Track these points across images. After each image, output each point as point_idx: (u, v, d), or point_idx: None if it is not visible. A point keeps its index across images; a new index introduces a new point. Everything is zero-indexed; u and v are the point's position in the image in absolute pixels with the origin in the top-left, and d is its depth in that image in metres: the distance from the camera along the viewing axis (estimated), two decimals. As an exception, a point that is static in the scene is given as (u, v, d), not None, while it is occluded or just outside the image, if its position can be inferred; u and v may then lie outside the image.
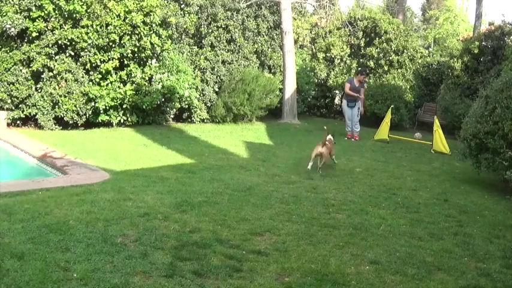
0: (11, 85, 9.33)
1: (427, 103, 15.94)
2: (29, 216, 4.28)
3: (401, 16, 20.70)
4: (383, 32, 15.49)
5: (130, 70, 10.01)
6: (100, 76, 9.74)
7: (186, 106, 11.48)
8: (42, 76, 9.48)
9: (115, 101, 9.80)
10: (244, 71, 12.38)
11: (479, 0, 18.32)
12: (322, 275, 3.65)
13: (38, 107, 9.45)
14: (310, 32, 16.11)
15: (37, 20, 9.29)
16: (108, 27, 9.55)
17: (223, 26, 12.49)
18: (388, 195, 6.43)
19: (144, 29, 9.85)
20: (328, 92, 15.74)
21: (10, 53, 9.36)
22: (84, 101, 9.59)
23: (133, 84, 10.10)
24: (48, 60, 9.36)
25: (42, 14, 9.29)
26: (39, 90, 9.55)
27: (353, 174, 7.69)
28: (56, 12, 9.35)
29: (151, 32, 10.09)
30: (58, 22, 9.42)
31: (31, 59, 9.40)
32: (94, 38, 9.43)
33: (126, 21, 9.68)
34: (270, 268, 3.71)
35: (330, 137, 7.97)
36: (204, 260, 3.73)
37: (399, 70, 15.54)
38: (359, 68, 14.01)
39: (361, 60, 15.69)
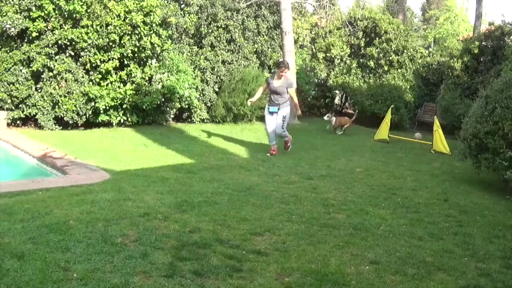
0: (11, 85, 9.32)
1: (427, 103, 15.96)
2: (29, 216, 4.28)
3: (401, 16, 20.71)
4: (383, 32, 15.50)
5: (130, 70, 10.01)
6: (100, 76, 9.74)
7: (186, 106, 11.48)
8: (42, 76, 9.47)
9: (115, 101, 9.80)
10: (244, 71, 12.38)
11: (479, 0, 18.34)
12: (322, 275, 3.65)
13: (38, 107, 9.45)
14: (310, 32, 16.13)
15: (37, 20, 9.28)
16: (108, 27, 9.55)
17: (223, 26, 12.49)
18: (388, 195, 6.43)
19: (144, 29, 9.85)
20: (328, 92, 15.75)
21: (10, 53, 9.35)
22: (84, 101, 9.59)
23: (133, 84, 10.10)
24: (48, 60, 9.36)
25: (42, 14, 9.28)
26: (39, 90, 9.55)
27: (353, 174, 7.69)
28: (56, 12, 9.35)
29: (152, 32, 10.08)
30: (58, 22, 9.41)
31: (31, 59, 9.40)
32: (94, 38, 9.43)
33: (126, 21, 9.68)
34: (270, 268, 3.71)
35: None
36: (204, 260, 3.73)
37: (399, 70, 15.55)
38: (280, 60, 10.03)
39: (361, 60, 15.70)
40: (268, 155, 8.69)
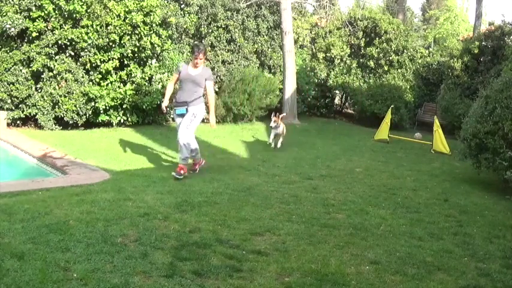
0: (11, 85, 9.32)
1: (427, 103, 15.97)
2: (29, 216, 4.28)
3: (401, 16, 20.73)
4: (383, 32, 15.51)
5: (130, 70, 10.01)
6: (100, 76, 9.74)
7: (186, 106, 11.47)
8: (42, 76, 9.47)
9: (115, 101, 9.80)
10: (244, 71, 12.38)
11: (479, 0, 18.34)
12: (322, 275, 3.65)
13: (38, 107, 9.45)
14: (310, 32, 16.13)
15: (37, 20, 9.28)
16: (108, 27, 9.55)
17: (223, 26, 12.49)
18: (388, 195, 6.43)
19: (144, 29, 9.85)
20: (328, 92, 15.75)
21: (10, 53, 9.35)
22: (84, 101, 9.59)
23: (134, 84, 10.10)
24: (48, 60, 9.36)
25: (42, 14, 9.28)
26: (39, 90, 9.55)
27: (353, 174, 7.69)
28: (56, 12, 9.35)
29: (152, 32, 10.08)
30: (58, 22, 9.41)
31: (31, 59, 9.39)
32: (94, 38, 9.43)
33: (126, 21, 9.68)
34: (270, 268, 3.70)
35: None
36: (204, 260, 3.73)
37: (399, 70, 15.56)
38: (195, 43, 7.64)
39: (361, 60, 15.70)
40: (174, 174, 6.20)
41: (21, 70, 9.41)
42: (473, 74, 14.40)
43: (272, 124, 9.24)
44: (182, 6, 12.02)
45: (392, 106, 12.52)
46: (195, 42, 7.90)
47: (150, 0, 9.87)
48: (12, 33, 9.28)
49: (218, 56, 12.30)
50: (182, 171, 6.23)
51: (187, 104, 6.32)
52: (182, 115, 6.36)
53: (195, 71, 6.38)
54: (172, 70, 11.01)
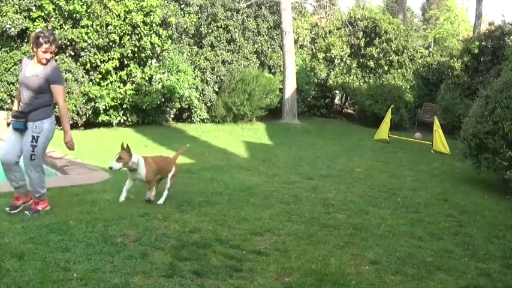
0: (11, 85, 9.33)
1: (427, 103, 15.97)
2: (29, 216, 4.28)
3: (401, 16, 20.73)
4: (383, 32, 15.52)
5: (131, 70, 10.01)
6: (100, 76, 9.75)
7: (186, 106, 11.49)
8: (42, 76, 9.48)
9: (115, 101, 9.81)
10: (244, 71, 12.39)
11: (479, 0, 18.34)
12: (322, 275, 3.65)
13: (38, 107, 9.45)
14: (310, 32, 16.14)
15: (37, 20, 9.29)
16: (108, 27, 9.56)
17: (223, 26, 12.49)
18: (388, 195, 6.42)
19: (144, 29, 9.85)
20: (328, 92, 15.76)
21: (10, 53, 9.35)
22: (84, 101, 9.59)
23: (133, 84, 10.11)
24: (48, 60, 9.36)
25: (42, 14, 9.29)
26: (39, 90, 9.55)
27: (353, 174, 7.69)
28: (56, 12, 9.36)
29: (151, 32, 10.09)
30: (58, 22, 9.42)
31: (31, 59, 9.40)
32: (94, 38, 9.43)
33: (126, 21, 9.69)
34: (270, 268, 3.70)
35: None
36: (204, 260, 3.72)
37: (399, 70, 15.57)
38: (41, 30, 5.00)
39: (361, 60, 15.70)
40: (28, 213, 4.38)
41: (21, 70, 9.41)
42: (473, 74, 14.40)
43: (113, 165, 4.96)
44: (182, 6, 12.03)
45: (392, 106, 12.52)
46: (41, 29, 5.07)
47: (150, 0, 9.87)
48: (12, 33, 9.28)
49: (218, 56, 12.30)
50: (40, 207, 4.48)
51: (24, 116, 4.41)
52: (19, 130, 4.44)
53: (33, 70, 4.37)
54: (172, 70, 11.00)
